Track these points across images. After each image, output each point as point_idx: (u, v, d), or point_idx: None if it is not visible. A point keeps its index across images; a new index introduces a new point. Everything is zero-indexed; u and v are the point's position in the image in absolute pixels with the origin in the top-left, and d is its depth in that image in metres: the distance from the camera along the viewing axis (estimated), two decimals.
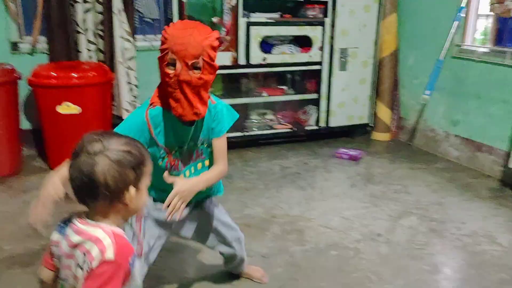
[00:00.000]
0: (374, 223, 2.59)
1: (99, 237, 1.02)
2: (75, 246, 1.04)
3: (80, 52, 3.39)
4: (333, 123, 3.90)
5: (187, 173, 1.64)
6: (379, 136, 4.07)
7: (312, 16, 3.62)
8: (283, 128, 3.79)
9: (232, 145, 3.67)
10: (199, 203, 1.76)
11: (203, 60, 1.43)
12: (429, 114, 3.77)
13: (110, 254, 1.00)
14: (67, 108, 3.00)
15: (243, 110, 3.82)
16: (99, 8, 3.34)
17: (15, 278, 2.03)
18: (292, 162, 3.49)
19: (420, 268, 2.18)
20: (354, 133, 4.06)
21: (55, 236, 1.11)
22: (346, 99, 3.87)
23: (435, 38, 3.60)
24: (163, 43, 1.45)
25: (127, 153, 1.04)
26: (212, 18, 3.49)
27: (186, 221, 1.75)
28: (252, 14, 3.47)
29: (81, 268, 1.01)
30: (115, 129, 1.44)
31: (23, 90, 3.24)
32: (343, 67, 3.77)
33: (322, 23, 3.61)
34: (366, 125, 4.06)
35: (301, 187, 3.05)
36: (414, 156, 3.68)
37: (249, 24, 3.39)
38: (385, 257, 2.26)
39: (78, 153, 1.02)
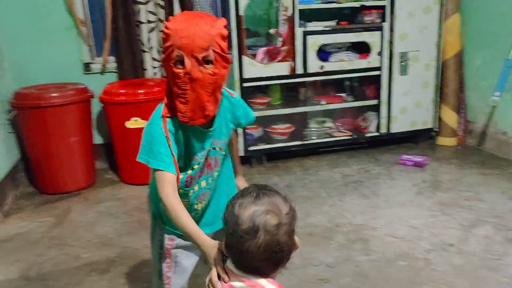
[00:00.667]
0: (444, 233, 2.48)
1: (261, 284, 1.01)
2: None
3: (146, 69, 3.57)
4: (395, 129, 3.79)
5: (203, 183, 1.45)
6: (445, 141, 3.90)
7: (369, 22, 3.57)
8: (343, 135, 3.75)
9: (292, 153, 3.72)
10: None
11: (214, 51, 1.23)
12: (500, 116, 3.56)
13: None
14: (135, 123, 3.16)
15: (302, 119, 3.83)
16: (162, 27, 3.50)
17: (94, 285, 2.16)
18: (353, 170, 3.43)
19: (497, 280, 2.06)
20: (418, 139, 3.92)
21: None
22: (408, 103, 3.76)
23: (503, 37, 3.42)
24: (165, 40, 1.25)
25: (291, 210, 1.03)
26: (269, 30, 3.55)
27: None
28: (308, 24, 3.49)
29: None
30: (145, 155, 1.36)
31: (95, 107, 3.47)
32: (403, 71, 3.68)
33: (380, 28, 3.55)
34: (430, 130, 3.91)
35: (364, 195, 2.99)
36: (485, 161, 3.49)
37: (305, 34, 3.40)
38: (459, 269, 2.16)
39: (255, 231, 0.97)
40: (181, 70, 1.24)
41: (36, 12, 3.37)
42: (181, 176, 1.37)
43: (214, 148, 1.43)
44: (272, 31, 3.54)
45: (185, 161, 1.40)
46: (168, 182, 1.32)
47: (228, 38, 1.31)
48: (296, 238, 1.06)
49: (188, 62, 1.22)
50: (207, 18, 1.26)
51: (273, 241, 0.98)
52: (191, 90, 1.26)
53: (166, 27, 1.25)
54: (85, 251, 2.46)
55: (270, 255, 0.99)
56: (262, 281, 1.01)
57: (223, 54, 1.26)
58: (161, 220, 1.53)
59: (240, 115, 1.49)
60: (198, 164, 1.40)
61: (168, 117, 1.34)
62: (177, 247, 1.53)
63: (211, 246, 1.18)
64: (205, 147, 1.40)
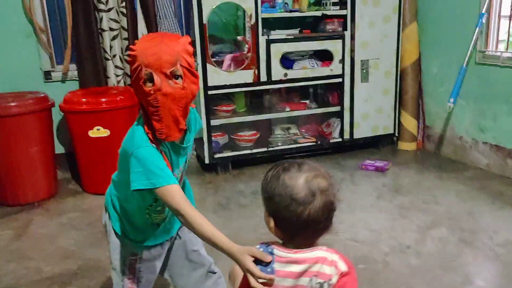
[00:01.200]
0: (403, 235, 2.57)
1: (322, 256, 1.04)
2: (297, 274, 1.03)
3: (109, 77, 3.53)
4: (358, 134, 3.89)
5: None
6: (405, 146, 4.04)
7: (331, 30, 3.65)
8: (308, 141, 3.82)
9: (257, 160, 3.75)
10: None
11: (182, 66, 1.27)
12: (456, 121, 3.72)
13: (343, 267, 1.04)
14: (97, 132, 3.12)
15: (267, 126, 3.88)
16: (125, 34, 3.48)
17: None
18: None
19: (452, 280, 2.15)
20: (379, 144, 4.04)
21: (262, 273, 1.06)
22: (370, 110, 3.87)
23: (458, 45, 3.57)
24: (133, 62, 1.27)
25: (333, 179, 1.07)
26: (237, 37, 3.58)
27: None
28: (272, 32, 3.54)
29: None
30: (146, 180, 1.29)
31: (57, 116, 3.40)
32: (365, 78, 3.78)
33: (341, 37, 3.64)
34: (391, 135, 4.03)
35: None
36: (443, 165, 3.63)
37: (268, 42, 3.45)
38: (415, 269, 2.24)
39: (313, 194, 1.01)
40: (151, 88, 1.25)
41: None
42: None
43: (186, 162, 1.47)
44: (239, 38, 3.58)
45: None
46: (178, 194, 1.30)
47: (193, 44, 1.35)
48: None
49: (157, 78, 1.24)
50: (172, 36, 1.30)
51: (328, 200, 1.03)
52: (163, 107, 1.27)
53: (132, 49, 1.28)
54: (46, 264, 2.41)
55: (329, 214, 1.04)
56: (322, 253, 1.05)
57: (190, 69, 1.29)
58: (126, 236, 1.52)
59: (196, 124, 1.52)
60: (176, 179, 1.38)
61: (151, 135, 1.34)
62: (140, 262, 1.53)
63: (241, 252, 1.13)
64: (180, 163, 1.43)
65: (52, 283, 2.23)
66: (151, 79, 1.25)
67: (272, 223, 1.07)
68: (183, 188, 1.50)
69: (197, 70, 1.42)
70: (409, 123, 3.99)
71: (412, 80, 3.93)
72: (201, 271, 1.68)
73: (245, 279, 1.09)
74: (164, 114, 1.28)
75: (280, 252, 1.06)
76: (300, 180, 1.01)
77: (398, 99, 3.96)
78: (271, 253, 1.07)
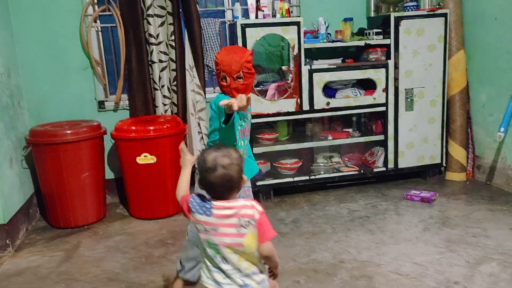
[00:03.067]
0: (450, 270, 2.46)
1: (245, 204, 1.53)
2: (229, 216, 1.51)
3: (157, 106, 3.70)
4: (403, 164, 3.81)
5: (241, 143, 2.10)
6: (454, 176, 3.89)
7: (374, 60, 3.65)
8: (350, 170, 3.77)
9: (299, 189, 3.74)
10: None
11: (243, 72, 2.01)
12: (508, 151, 3.56)
13: (259, 208, 1.52)
14: (145, 159, 3.26)
15: (309, 154, 3.88)
16: (173, 66, 3.65)
17: None
18: (360, 205, 3.44)
19: None
20: (426, 174, 3.92)
21: (200, 217, 1.55)
22: (415, 139, 3.78)
23: (507, 72, 3.46)
24: (216, 65, 2.05)
25: (240, 157, 1.56)
26: (282, 67, 3.66)
27: None
28: (315, 61, 3.59)
29: (245, 226, 1.50)
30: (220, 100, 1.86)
31: (108, 143, 3.58)
32: (409, 107, 3.73)
33: (385, 65, 3.63)
34: (438, 165, 3.91)
35: (371, 231, 2.99)
36: (494, 197, 3.46)
37: (311, 71, 3.50)
38: None
39: (215, 167, 1.50)
40: (225, 83, 2.05)
41: (55, 53, 3.56)
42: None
43: (246, 122, 2.12)
44: (284, 68, 3.65)
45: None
46: None
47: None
48: (244, 177, 1.57)
49: (228, 79, 2.03)
50: (239, 52, 2.05)
51: (226, 173, 1.51)
52: (231, 94, 2.03)
53: (216, 58, 2.05)
54: (91, 286, 2.50)
55: (226, 183, 1.52)
56: (244, 202, 1.53)
57: (249, 71, 2.04)
58: None
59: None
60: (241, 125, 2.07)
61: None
62: None
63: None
64: (241, 117, 2.07)
65: None
66: (225, 78, 2.03)
67: (197, 182, 1.64)
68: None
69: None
70: (458, 152, 3.86)
71: (460, 109, 3.83)
72: None
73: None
74: (232, 97, 1.97)
75: (215, 202, 1.54)
76: (211, 156, 1.52)
77: (445, 128, 3.85)
78: (210, 203, 1.54)
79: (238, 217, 1.50)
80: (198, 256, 2.14)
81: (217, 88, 3.92)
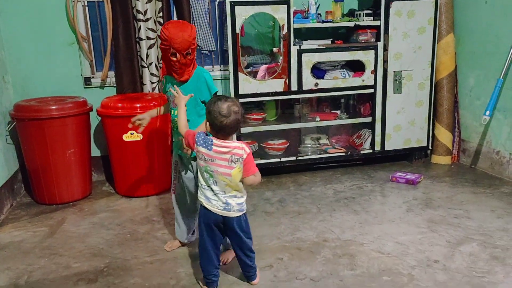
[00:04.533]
0: (431, 249, 2.49)
1: (237, 145, 1.96)
2: (224, 152, 1.95)
3: (145, 84, 3.66)
4: (389, 146, 3.83)
5: (174, 112, 2.29)
6: (439, 159, 3.93)
7: (363, 41, 3.64)
8: (337, 152, 3.79)
9: (286, 169, 3.76)
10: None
11: (191, 48, 2.18)
12: (493, 135, 3.59)
13: (248, 150, 1.98)
14: (131, 136, 3.23)
15: (297, 135, 3.88)
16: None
17: None
18: (346, 186, 3.46)
19: None
20: (412, 157, 3.96)
21: (203, 150, 1.98)
22: (402, 122, 3.80)
23: (495, 56, 3.47)
24: (164, 40, 2.15)
25: (241, 107, 2.00)
26: (273, 49, 3.63)
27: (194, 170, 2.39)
28: (304, 42, 3.57)
29: (235, 162, 1.95)
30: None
31: (95, 120, 3.54)
32: (398, 89, 3.73)
33: (374, 47, 3.62)
34: (425, 148, 3.94)
35: (355, 211, 3.01)
36: (478, 180, 3.51)
37: (300, 52, 3.48)
38: (442, 285, 2.17)
39: (230, 114, 1.92)
40: (175, 59, 2.19)
41: (40, 28, 3.49)
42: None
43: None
44: (274, 49, 3.62)
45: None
46: None
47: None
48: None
49: (179, 56, 2.18)
50: (187, 28, 2.17)
51: (236, 118, 1.95)
52: (180, 69, 2.22)
53: (164, 33, 2.14)
54: (75, 261, 2.50)
55: (236, 125, 1.96)
56: (236, 144, 1.97)
57: (194, 47, 2.22)
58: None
59: (203, 86, 2.28)
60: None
61: (164, 75, 2.39)
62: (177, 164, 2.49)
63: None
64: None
65: (79, 280, 2.31)
66: (175, 54, 2.17)
67: (208, 126, 1.99)
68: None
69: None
70: (444, 136, 3.89)
71: (447, 92, 3.84)
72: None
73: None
74: (180, 71, 2.23)
75: (216, 140, 1.97)
76: (225, 105, 1.92)
77: (432, 112, 3.87)
78: (211, 140, 1.97)
79: (231, 154, 1.94)
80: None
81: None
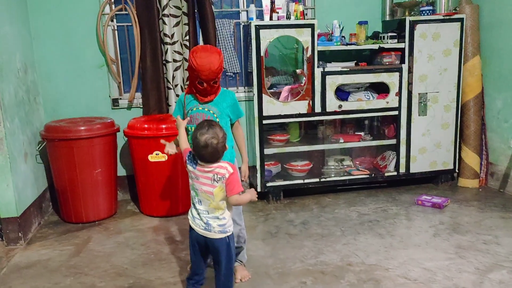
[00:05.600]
0: (459, 276, 2.43)
1: (220, 165, 2.00)
2: (207, 171, 2.00)
3: (170, 105, 3.73)
4: (414, 169, 3.78)
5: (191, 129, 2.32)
6: (467, 182, 3.85)
7: (388, 63, 3.64)
8: (361, 174, 3.75)
9: (309, 191, 3.74)
10: None
11: (217, 77, 2.23)
12: None
13: (231, 169, 1.99)
14: (156, 157, 3.29)
15: (320, 157, 3.87)
16: (187, 65, 3.67)
17: None
18: (370, 209, 3.42)
19: None
20: (438, 180, 3.88)
21: (190, 167, 2.06)
22: (428, 144, 3.75)
23: None
24: (193, 69, 2.19)
25: (224, 135, 2.01)
26: (296, 70, 3.67)
27: None
28: (328, 64, 3.59)
29: (217, 181, 1.98)
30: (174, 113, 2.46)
31: (121, 141, 3.62)
32: (422, 112, 3.70)
33: (399, 69, 3.61)
34: (451, 171, 3.86)
35: (380, 235, 2.97)
36: (507, 205, 3.41)
37: (324, 74, 3.50)
38: None
39: (207, 145, 1.95)
40: (202, 87, 2.25)
41: (71, 50, 3.62)
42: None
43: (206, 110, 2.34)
44: (298, 71, 3.65)
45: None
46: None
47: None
48: (225, 146, 2.03)
49: (205, 84, 2.23)
50: (215, 58, 2.19)
51: (214, 149, 1.97)
52: (205, 93, 2.29)
53: (193, 62, 2.18)
54: (100, 280, 2.53)
55: (214, 155, 1.98)
56: (220, 164, 2.01)
57: (221, 72, 2.25)
58: None
59: (229, 107, 2.36)
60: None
61: (188, 93, 2.39)
62: None
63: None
64: (203, 110, 2.35)
65: None
66: (201, 84, 2.23)
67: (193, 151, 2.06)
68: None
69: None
70: (471, 159, 3.81)
71: (474, 115, 3.78)
72: None
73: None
74: (204, 94, 2.29)
75: (200, 163, 2.02)
76: (204, 137, 1.96)
77: (459, 134, 3.81)
78: (196, 161, 2.03)
79: (213, 174, 2.00)
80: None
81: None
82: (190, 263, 2.30)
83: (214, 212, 2.03)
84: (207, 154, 1.97)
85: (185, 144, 2.17)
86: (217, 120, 2.31)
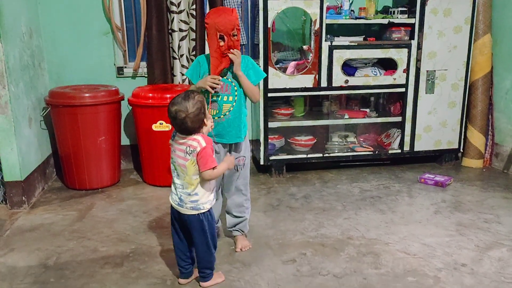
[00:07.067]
0: (459, 253, 2.44)
1: (194, 138, 1.96)
2: (181, 143, 1.98)
3: (175, 75, 3.70)
4: (419, 147, 3.76)
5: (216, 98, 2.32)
6: (471, 162, 3.83)
7: (397, 39, 3.58)
8: (365, 151, 3.74)
9: (312, 166, 3.74)
10: (231, 146, 2.39)
11: (236, 29, 2.18)
12: None
13: (203, 143, 1.95)
14: (161, 126, 3.28)
15: (324, 132, 3.86)
16: (193, 35, 3.64)
17: (107, 277, 2.24)
18: (372, 186, 3.42)
19: None
20: (442, 159, 3.87)
21: (171, 141, 2.05)
22: (433, 122, 3.72)
23: None
24: (210, 27, 2.17)
25: (196, 109, 1.93)
26: (303, 46, 3.61)
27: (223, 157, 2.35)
28: (336, 38, 3.53)
29: (189, 154, 1.96)
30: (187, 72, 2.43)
31: (125, 110, 3.61)
32: (430, 89, 3.65)
33: (408, 46, 3.55)
34: (455, 150, 3.84)
35: (381, 211, 2.97)
36: (510, 185, 3.40)
37: (331, 48, 3.45)
38: None
39: (175, 117, 1.92)
40: (223, 43, 2.19)
41: (76, 17, 3.57)
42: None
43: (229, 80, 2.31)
44: (305, 47, 3.60)
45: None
46: None
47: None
48: (207, 121, 2.01)
49: (226, 38, 2.18)
50: (228, 11, 2.20)
51: (181, 122, 1.93)
52: (225, 53, 2.22)
53: (209, 20, 2.18)
54: (102, 245, 2.56)
55: (182, 127, 1.94)
56: (195, 137, 1.97)
57: (238, 28, 2.21)
58: None
59: (249, 70, 2.33)
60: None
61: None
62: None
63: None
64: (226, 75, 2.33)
65: (106, 263, 2.36)
66: (222, 39, 2.18)
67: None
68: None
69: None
70: (477, 139, 3.78)
71: (482, 94, 3.74)
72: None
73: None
74: (225, 55, 2.23)
75: (179, 137, 2.00)
76: (173, 108, 1.92)
77: (465, 113, 3.77)
78: (175, 133, 2.01)
79: (186, 146, 1.97)
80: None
81: None
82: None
83: (187, 187, 2.00)
84: (176, 126, 1.96)
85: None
86: (236, 93, 2.29)
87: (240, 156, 2.41)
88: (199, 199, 2.01)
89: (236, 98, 2.31)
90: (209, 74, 2.26)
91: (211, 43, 2.21)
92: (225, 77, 2.29)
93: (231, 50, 2.21)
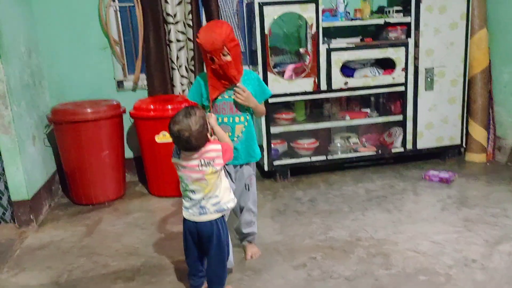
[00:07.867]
0: (468, 249, 2.44)
1: (207, 149, 1.92)
2: (192, 159, 1.92)
3: (175, 86, 3.72)
4: (421, 144, 3.77)
5: (220, 119, 2.23)
6: (474, 157, 3.84)
7: (394, 38, 3.59)
8: (368, 151, 3.75)
9: (316, 169, 3.75)
10: (242, 166, 2.33)
11: (227, 47, 2.04)
12: None
13: (217, 146, 1.95)
14: (163, 138, 3.29)
15: (327, 134, 3.87)
16: (191, 45, 3.66)
17: None
18: (377, 185, 3.43)
19: None
20: (445, 155, 3.88)
21: (175, 160, 1.98)
22: (434, 119, 3.73)
23: None
24: (201, 47, 2.09)
25: (199, 127, 1.87)
26: (300, 49, 3.63)
27: (234, 178, 2.33)
28: (333, 40, 3.55)
29: (206, 165, 1.92)
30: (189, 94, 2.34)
31: (127, 122, 3.63)
32: (429, 87, 3.67)
33: (405, 44, 3.56)
34: (458, 146, 3.85)
35: (388, 210, 2.98)
36: None
37: (329, 51, 3.46)
38: (481, 285, 2.13)
39: (178, 136, 1.86)
40: (215, 66, 2.08)
41: (74, 33, 3.59)
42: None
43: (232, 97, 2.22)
44: (301, 50, 3.62)
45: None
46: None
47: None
48: (210, 136, 1.97)
49: (215, 59, 2.06)
50: (216, 27, 2.07)
51: (186, 141, 1.87)
52: (221, 73, 2.11)
53: (199, 40, 2.07)
54: (112, 259, 2.56)
55: (188, 146, 1.89)
56: (206, 148, 1.93)
57: (233, 44, 2.07)
58: None
59: (254, 89, 2.24)
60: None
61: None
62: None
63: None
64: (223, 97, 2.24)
65: (117, 278, 2.37)
66: (212, 60, 2.07)
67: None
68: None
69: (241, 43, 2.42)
70: (478, 133, 3.79)
71: (481, 89, 3.75)
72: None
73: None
74: (220, 75, 2.13)
75: (183, 153, 1.95)
76: (175, 128, 1.86)
77: (466, 108, 3.78)
78: (179, 153, 1.96)
79: (199, 160, 1.92)
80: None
81: None
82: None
83: (213, 193, 1.96)
84: (180, 145, 1.90)
85: (226, 138, 2.08)
86: (240, 113, 2.20)
87: (252, 175, 2.37)
88: (220, 200, 1.98)
89: (248, 117, 2.25)
90: (208, 97, 2.20)
91: (206, 63, 2.15)
92: (227, 97, 2.20)
93: (236, 89, 2.13)
